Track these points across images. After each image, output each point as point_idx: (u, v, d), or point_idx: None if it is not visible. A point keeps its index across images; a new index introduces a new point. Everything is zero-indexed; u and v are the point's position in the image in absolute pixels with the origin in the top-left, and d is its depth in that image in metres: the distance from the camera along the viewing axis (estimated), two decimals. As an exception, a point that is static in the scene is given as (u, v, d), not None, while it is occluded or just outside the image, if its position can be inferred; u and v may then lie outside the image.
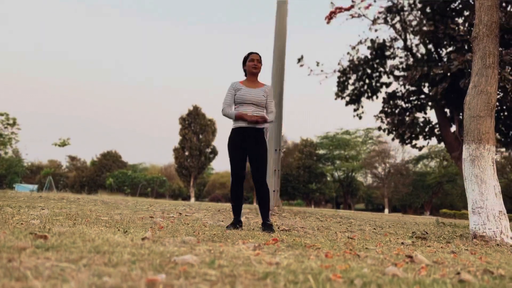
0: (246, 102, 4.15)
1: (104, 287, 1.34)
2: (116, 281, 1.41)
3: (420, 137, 13.37)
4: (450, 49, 12.13)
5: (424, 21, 12.06)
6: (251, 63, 4.28)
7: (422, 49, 13.15)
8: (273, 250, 2.49)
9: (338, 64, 14.32)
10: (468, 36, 10.30)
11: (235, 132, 4.19)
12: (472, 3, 10.99)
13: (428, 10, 11.95)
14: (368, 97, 14.33)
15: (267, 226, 4.06)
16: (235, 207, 4.23)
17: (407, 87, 13.08)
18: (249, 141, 4.15)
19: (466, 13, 11.45)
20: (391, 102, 13.61)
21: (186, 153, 41.25)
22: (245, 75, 4.40)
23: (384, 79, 14.27)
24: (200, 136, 41.90)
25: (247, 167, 4.29)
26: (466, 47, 11.04)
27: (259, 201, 4.19)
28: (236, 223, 4.16)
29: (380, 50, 13.76)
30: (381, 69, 14.11)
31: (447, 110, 12.75)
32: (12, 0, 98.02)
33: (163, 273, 1.60)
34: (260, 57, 4.36)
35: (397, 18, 13.24)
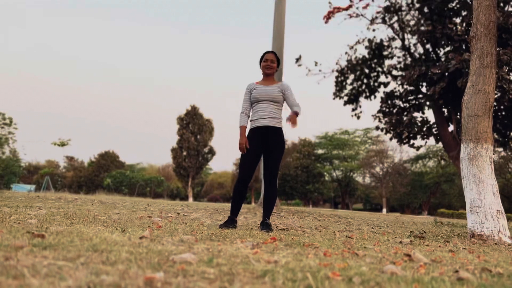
0: (263, 99, 4.18)
1: (102, 285, 1.33)
2: (114, 279, 1.40)
3: (418, 136, 13.36)
4: (448, 48, 12.14)
5: (422, 21, 12.07)
6: (265, 63, 4.32)
7: (420, 49, 13.17)
8: (271, 249, 2.49)
9: (336, 64, 14.32)
10: (466, 36, 10.32)
11: (252, 132, 4.19)
12: (470, 2, 11.01)
13: (426, 10, 11.97)
14: (366, 97, 14.32)
15: (266, 225, 4.05)
16: (235, 206, 4.20)
17: (405, 86, 13.08)
18: (266, 140, 4.14)
19: (464, 12, 11.47)
20: (389, 101, 13.61)
21: (184, 153, 41.18)
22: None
23: (382, 78, 14.28)
24: (198, 136, 41.85)
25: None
26: (464, 47, 11.06)
27: (265, 200, 4.18)
28: (231, 222, 4.13)
29: (378, 50, 13.76)
30: (379, 68, 14.11)
31: (445, 109, 12.77)
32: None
33: (161, 271, 1.60)
34: (275, 56, 4.37)
35: (395, 18, 13.25)
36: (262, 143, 4.15)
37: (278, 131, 4.17)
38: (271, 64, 4.32)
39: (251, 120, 4.27)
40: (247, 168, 4.12)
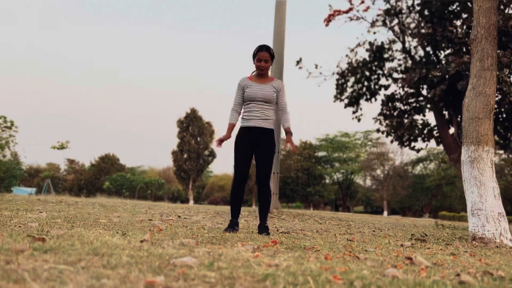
0: (256, 100, 4.08)
1: (103, 289, 1.33)
2: (115, 283, 1.40)
3: (419, 139, 13.37)
4: (448, 51, 12.14)
5: (422, 24, 12.08)
6: (258, 64, 4.11)
7: (421, 52, 13.17)
8: (272, 252, 2.48)
9: (337, 66, 14.30)
10: (466, 39, 10.32)
11: (242, 131, 4.13)
12: (470, 5, 11.02)
13: (426, 12, 11.99)
14: (366, 100, 14.32)
15: (263, 228, 4.04)
16: (234, 209, 4.19)
17: (405, 89, 13.09)
18: (257, 141, 4.10)
19: (464, 15, 11.48)
20: (389, 104, 13.62)
21: (185, 156, 41.19)
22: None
23: (383, 81, 14.28)
24: (198, 139, 41.88)
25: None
26: (464, 49, 11.06)
27: (259, 202, 4.16)
28: (234, 225, 4.13)
29: (378, 53, 13.77)
30: (380, 71, 14.11)
31: (445, 112, 12.77)
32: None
33: (162, 275, 1.59)
34: (269, 54, 4.12)
35: (396, 20, 13.26)
36: (254, 143, 4.11)
37: (270, 132, 4.13)
38: (264, 65, 4.10)
39: (242, 118, 4.19)
40: (242, 168, 4.09)
